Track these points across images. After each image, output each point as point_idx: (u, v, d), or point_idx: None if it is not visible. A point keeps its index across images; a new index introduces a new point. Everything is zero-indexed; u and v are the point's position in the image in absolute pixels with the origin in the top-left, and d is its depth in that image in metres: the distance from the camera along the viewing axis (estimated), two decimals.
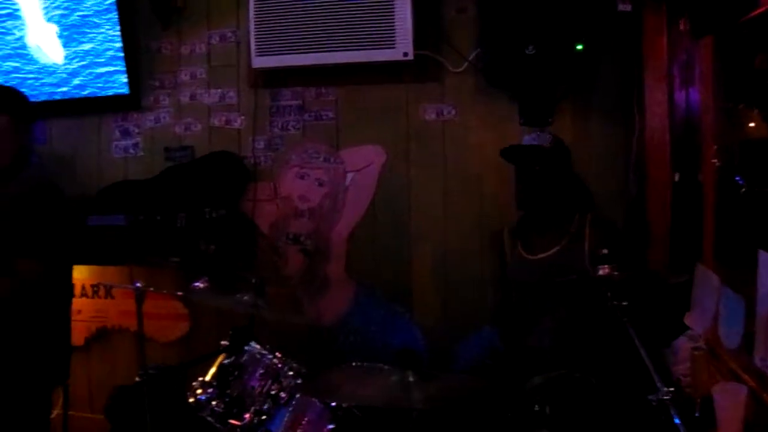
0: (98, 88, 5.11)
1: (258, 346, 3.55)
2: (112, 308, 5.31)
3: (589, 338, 3.48)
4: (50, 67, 5.19)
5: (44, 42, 5.16)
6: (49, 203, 3.61)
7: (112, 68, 5.05)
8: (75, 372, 5.04)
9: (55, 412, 5.00)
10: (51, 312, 3.72)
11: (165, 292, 4.49)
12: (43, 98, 5.21)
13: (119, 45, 4.98)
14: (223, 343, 3.54)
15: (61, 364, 3.88)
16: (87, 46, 5.07)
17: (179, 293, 4.41)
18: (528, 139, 3.81)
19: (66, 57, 5.14)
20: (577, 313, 3.50)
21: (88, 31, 5.04)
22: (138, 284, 4.14)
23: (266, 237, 4.92)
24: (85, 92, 5.14)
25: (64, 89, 5.18)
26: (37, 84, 5.24)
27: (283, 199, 4.90)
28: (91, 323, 5.37)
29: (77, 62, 5.13)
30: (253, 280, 3.68)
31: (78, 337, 5.33)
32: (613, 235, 3.54)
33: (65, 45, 5.12)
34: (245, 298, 3.68)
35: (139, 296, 4.25)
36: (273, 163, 4.92)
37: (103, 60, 5.06)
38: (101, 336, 5.38)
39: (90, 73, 5.11)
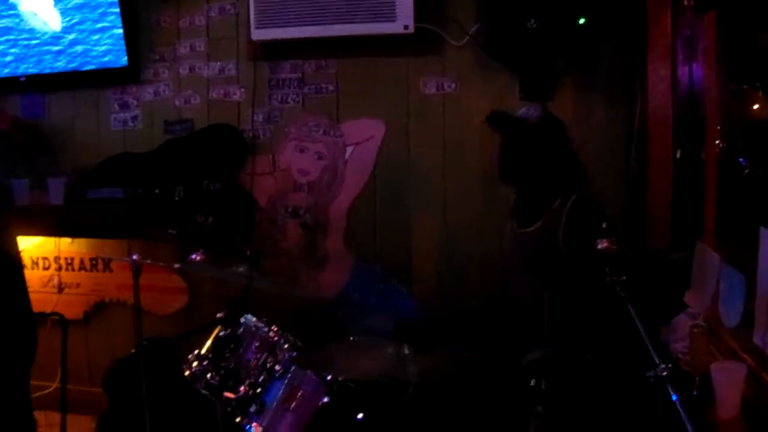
0: (95, 53, 5.10)
1: (254, 319, 3.53)
2: (110, 282, 5.32)
3: (582, 315, 3.46)
4: (44, 30, 5.21)
5: (39, 8, 5.15)
6: None
7: (106, 24, 5.04)
8: (73, 345, 5.08)
9: (53, 386, 5.04)
10: None
11: (161, 264, 4.47)
12: (35, 61, 5.27)
13: (116, 6, 4.98)
14: (218, 315, 3.51)
15: (22, 341, 3.71)
16: (83, 5, 5.07)
17: (176, 266, 4.39)
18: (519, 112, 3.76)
19: (62, 20, 5.14)
20: (566, 290, 3.47)
21: None
22: (135, 257, 4.13)
23: (265, 210, 4.91)
24: (79, 48, 5.14)
25: (58, 47, 5.19)
26: (32, 45, 5.25)
27: (282, 173, 4.88)
28: (89, 297, 5.40)
29: (68, 20, 5.13)
30: (249, 252, 3.65)
31: (76, 310, 5.36)
32: (592, 217, 3.46)
33: (60, 8, 5.13)
34: (240, 269, 3.66)
35: (136, 269, 4.24)
36: (272, 136, 4.90)
37: (96, 16, 5.06)
38: (100, 309, 5.40)
39: (83, 30, 5.10)
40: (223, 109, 4.98)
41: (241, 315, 3.51)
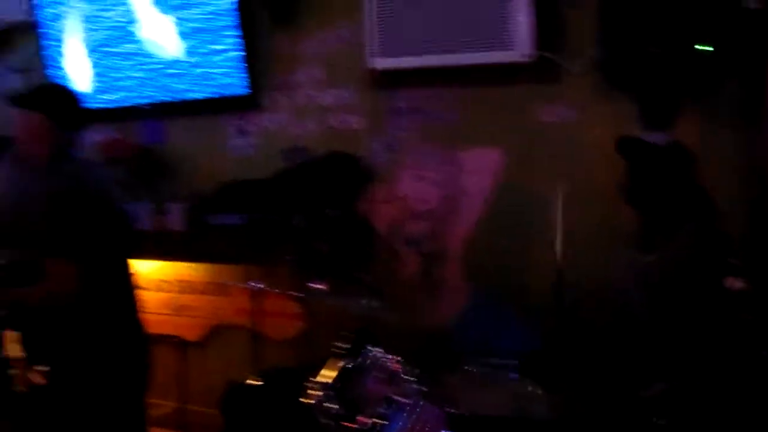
0: (215, 81, 5.24)
1: (377, 349, 3.55)
2: (227, 306, 5.40)
3: (706, 349, 3.38)
4: (163, 56, 5.38)
5: (160, 36, 5.32)
6: (78, 201, 3.43)
7: (225, 47, 5.17)
8: (191, 367, 5.19)
9: (170, 405, 5.15)
10: (106, 313, 3.53)
11: (283, 292, 4.51)
12: (155, 87, 5.45)
13: (237, 35, 5.10)
14: (340, 344, 3.54)
15: (134, 362, 3.73)
16: (204, 34, 5.21)
17: (297, 294, 4.42)
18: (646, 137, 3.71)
19: (183, 48, 5.30)
20: (690, 322, 3.40)
21: (206, 22, 5.19)
22: (254, 284, 4.20)
23: (383, 239, 4.92)
24: (198, 73, 5.29)
25: (178, 73, 5.37)
26: (151, 71, 5.45)
27: (400, 201, 4.88)
28: (207, 320, 5.50)
29: (187, 45, 5.29)
30: (370, 282, 3.67)
31: (194, 333, 5.47)
32: (720, 249, 3.38)
33: (182, 37, 5.28)
34: (364, 301, 3.68)
35: (256, 295, 4.31)
36: (390, 164, 4.91)
37: (214, 40, 5.19)
38: (216, 333, 5.49)
39: (202, 55, 5.26)
40: (341, 137, 5.01)
41: (366, 345, 3.53)
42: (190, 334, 5.47)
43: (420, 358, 3.72)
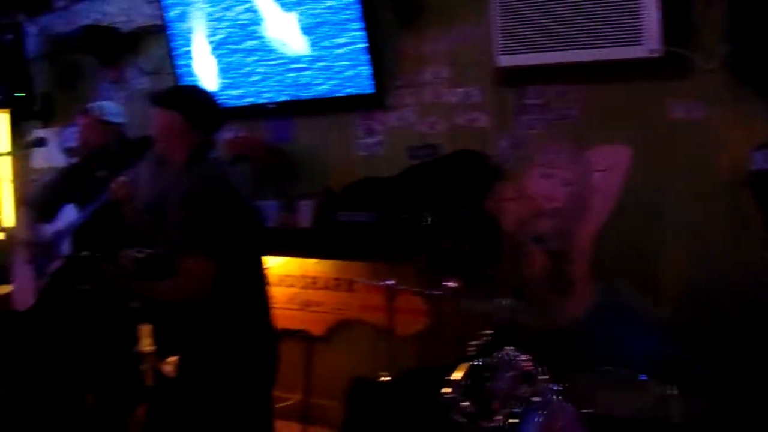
0: (341, 79, 5.33)
1: (510, 348, 3.55)
2: (353, 301, 5.47)
3: None
4: (289, 53, 5.50)
5: (284, 33, 5.43)
6: (215, 200, 3.47)
7: (349, 40, 5.24)
8: (316, 360, 5.28)
9: (294, 398, 5.26)
10: (238, 309, 3.57)
11: (414, 289, 4.55)
12: (282, 84, 5.60)
13: (361, 33, 5.15)
14: (475, 343, 3.56)
15: (263, 356, 3.73)
16: (328, 32, 5.30)
17: (431, 292, 4.44)
18: (758, 159, 3.59)
19: (307, 46, 5.41)
20: None
21: (330, 19, 5.27)
22: (389, 282, 4.25)
23: (510, 237, 4.91)
24: (324, 73, 5.40)
25: (304, 71, 5.48)
26: (277, 68, 5.60)
27: (527, 199, 4.86)
28: (332, 315, 5.58)
29: (312, 41, 5.39)
30: (510, 283, 3.69)
31: (319, 327, 5.56)
32: None
33: (306, 34, 5.38)
34: (502, 300, 3.70)
35: (383, 292, 4.37)
36: (517, 162, 4.89)
37: (344, 45, 5.27)
38: (341, 327, 5.58)
39: (328, 50, 5.35)
40: (467, 135, 5.01)
41: (505, 344, 3.54)
42: (316, 329, 5.57)
43: (549, 357, 3.71)
